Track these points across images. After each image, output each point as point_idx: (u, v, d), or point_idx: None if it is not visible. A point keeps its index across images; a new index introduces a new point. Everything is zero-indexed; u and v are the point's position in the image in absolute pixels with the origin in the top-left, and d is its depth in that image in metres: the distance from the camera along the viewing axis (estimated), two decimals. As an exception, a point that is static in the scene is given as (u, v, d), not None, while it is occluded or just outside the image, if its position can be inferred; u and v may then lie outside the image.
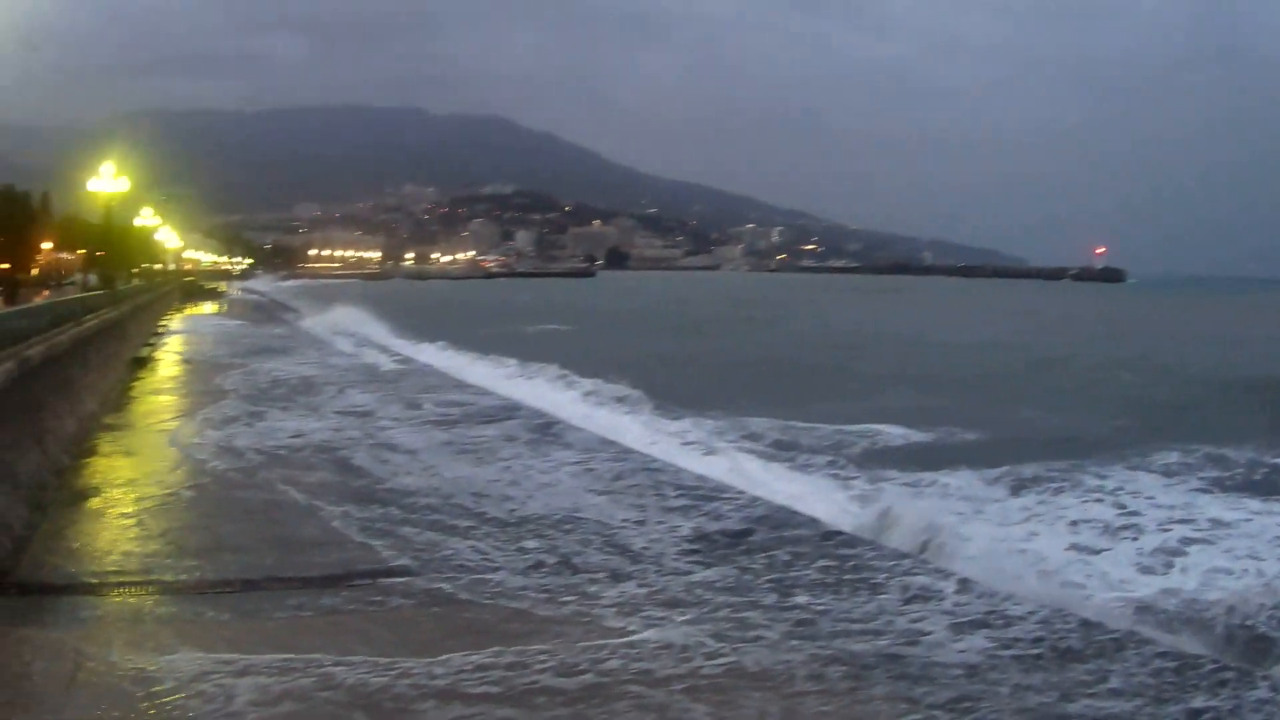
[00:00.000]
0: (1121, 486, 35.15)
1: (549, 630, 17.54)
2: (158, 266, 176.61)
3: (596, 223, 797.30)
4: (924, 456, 40.12)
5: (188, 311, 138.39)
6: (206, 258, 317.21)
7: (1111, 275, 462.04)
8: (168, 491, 28.41)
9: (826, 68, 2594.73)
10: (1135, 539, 28.53)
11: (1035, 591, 20.41)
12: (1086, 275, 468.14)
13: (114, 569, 20.97)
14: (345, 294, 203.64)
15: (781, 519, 25.14)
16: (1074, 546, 27.17)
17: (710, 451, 39.56)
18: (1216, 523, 31.00)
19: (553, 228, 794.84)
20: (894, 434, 46.19)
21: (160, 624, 17.76)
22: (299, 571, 20.93)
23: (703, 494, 27.88)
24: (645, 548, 22.47)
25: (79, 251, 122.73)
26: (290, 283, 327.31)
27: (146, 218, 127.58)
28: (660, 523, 24.83)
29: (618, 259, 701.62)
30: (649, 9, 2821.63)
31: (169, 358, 70.57)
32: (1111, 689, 15.03)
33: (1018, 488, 35.02)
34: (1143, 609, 21.42)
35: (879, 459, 40.17)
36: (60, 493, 27.44)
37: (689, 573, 20.52)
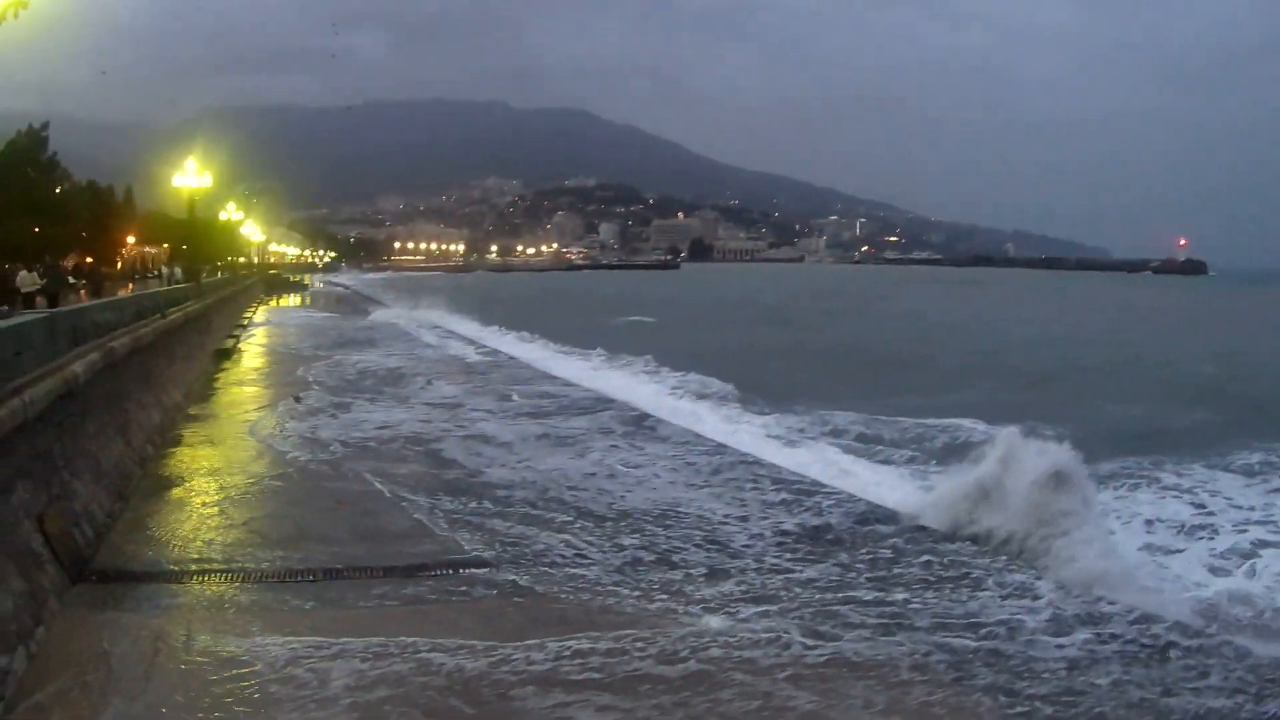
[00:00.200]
0: (1200, 485, 34.51)
1: (644, 621, 17.52)
2: (241, 260, 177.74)
3: (680, 215, 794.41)
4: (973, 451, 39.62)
5: (272, 304, 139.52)
6: (291, 251, 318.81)
7: (1193, 267, 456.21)
8: (250, 481, 28.64)
9: (906, 57, 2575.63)
10: (1210, 539, 27.98)
11: (1120, 590, 20.26)
12: (1168, 268, 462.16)
13: (195, 557, 21.18)
14: (429, 286, 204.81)
15: (874, 515, 25.10)
16: (1148, 546, 26.78)
17: (800, 445, 39.36)
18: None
19: (636, 220, 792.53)
20: (975, 429, 45.81)
21: (242, 610, 17.95)
22: (382, 561, 20.97)
23: (800, 489, 27.83)
24: (746, 545, 22.34)
25: (163, 246, 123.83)
26: (374, 275, 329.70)
27: (230, 212, 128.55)
28: (763, 518, 24.74)
29: (701, 251, 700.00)
30: (731, 2, 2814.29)
31: (253, 349, 71.18)
32: (1211, 685, 14.94)
33: (1096, 484, 34.68)
34: (1211, 609, 21.15)
35: (961, 454, 39.82)
36: (144, 482, 27.71)
37: (789, 570, 20.39)
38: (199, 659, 15.61)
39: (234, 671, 15.15)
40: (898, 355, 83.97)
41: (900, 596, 18.57)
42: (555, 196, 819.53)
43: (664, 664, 15.73)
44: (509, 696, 14.58)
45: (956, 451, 38.44)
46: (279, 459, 31.79)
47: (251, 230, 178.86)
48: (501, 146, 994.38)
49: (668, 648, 16.27)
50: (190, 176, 64.00)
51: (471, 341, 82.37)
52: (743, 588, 19.17)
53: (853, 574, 20.04)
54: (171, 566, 20.45)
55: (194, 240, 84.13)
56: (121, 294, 47.32)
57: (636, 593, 18.92)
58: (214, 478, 28.96)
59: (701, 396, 53.07)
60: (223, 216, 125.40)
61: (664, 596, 18.73)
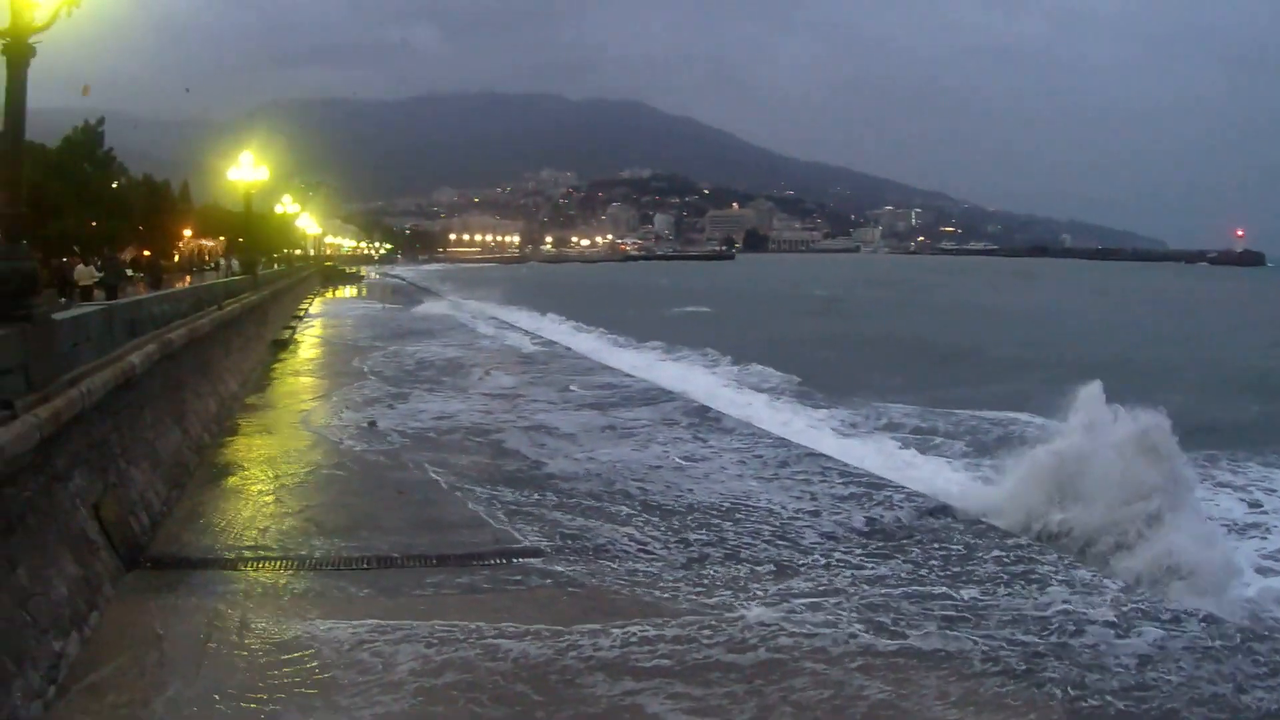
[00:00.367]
0: (1255, 483, 33.99)
1: (709, 612, 17.50)
2: (298, 252, 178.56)
3: (734, 205, 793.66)
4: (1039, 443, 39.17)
5: (328, 295, 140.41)
6: (347, 243, 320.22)
7: (1251, 258, 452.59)
8: (306, 470, 28.87)
9: (961, 46, 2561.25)
10: (1263, 538, 27.58)
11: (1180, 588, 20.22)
12: (1225, 259, 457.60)
13: (250, 544, 21.33)
14: (484, 278, 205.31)
15: (940, 510, 24.89)
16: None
17: (861, 439, 39.40)
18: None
19: (691, 211, 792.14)
20: (1030, 423, 45.59)
21: (297, 597, 18.07)
22: (438, 550, 21.02)
23: (866, 484, 27.65)
24: (815, 541, 22.10)
25: (219, 238, 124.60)
26: (429, 267, 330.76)
27: (287, 205, 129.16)
28: (831, 513, 24.52)
29: (756, 241, 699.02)
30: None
31: (309, 340, 71.74)
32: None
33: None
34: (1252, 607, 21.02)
35: (1017, 448, 39.57)
36: (200, 470, 27.96)
37: (858, 566, 20.22)
38: (254, 644, 15.73)
39: (290, 656, 15.27)
40: (951, 346, 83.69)
41: (968, 593, 18.45)
42: (610, 188, 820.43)
43: (734, 652, 15.72)
44: (576, 684, 14.60)
45: (1013, 445, 38.36)
46: (335, 449, 31.95)
47: (308, 223, 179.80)
48: (556, 138, 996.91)
49: (736, 636, 16.28)
50: (246, 170, 64.32)
51: (528, 332, 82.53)
52: (810, 583, 19.07)
53: (921, 570, 19.94)
54: (226, 554, 20.60)
55: (250, 233, 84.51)
56: (179, 286, 47.60)
57: (699, 588, 18.81)
58: (270, 466, 29.17)
59: (762, 389, 53.25)
60: (279, 209, 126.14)
61: (728, 592, 18.60)
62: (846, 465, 30.61)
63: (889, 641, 16.04)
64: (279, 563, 20.12)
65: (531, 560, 20.34)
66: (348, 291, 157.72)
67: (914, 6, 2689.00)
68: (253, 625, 16.45)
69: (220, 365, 40.24)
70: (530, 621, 16.80)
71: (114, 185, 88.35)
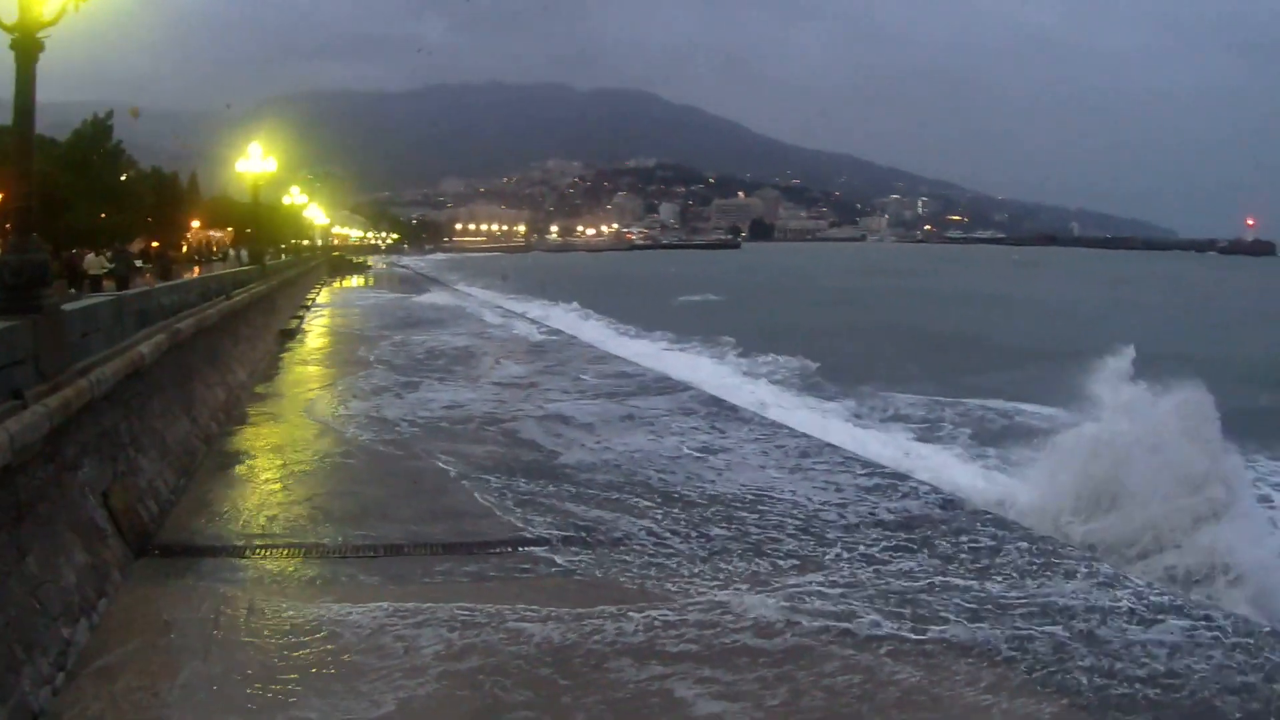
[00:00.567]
0: (1264, 477, 33.75)
1: (732, 600, 17.54)
2: (305, 243, 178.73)
3: (740, 194, 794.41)
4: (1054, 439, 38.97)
5: (336, 285, 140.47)
6: (354, 234, 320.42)
7: (1262, 248, 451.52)
8: (313, 458, 28.93)
9: (974, 34, 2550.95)
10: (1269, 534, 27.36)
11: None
12: (1236, 248, 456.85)
13: (258, 532, 21.43)
14: (490, 267, 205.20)
15: (958, 504, 24.70)
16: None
17: (875, 430, 39.52)
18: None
19: (696, 200, 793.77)
20: (1037, 413, 45.65)
21: (305, 585, 18.13)
22: (446, 539, 21.08)
23: (883, 476, 27.41)
24: (838, 535, 21.82)
25: (227, 229, 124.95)
26: (436, 256, 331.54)
27: (295, 196, 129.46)
28: (852, 506, 24.30)
29: (762, 230, 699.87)
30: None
31: (317, 329, 71.84)
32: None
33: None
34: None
35: (1024, 439, 39.55)
36: (208, 459, 28.03)
37: (881, 560, 20.01)
38: (264, 630, 15.81)
39: (302, 641, 15.38)
40: (957, 335, 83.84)
41: (992, 585, 18.40)
42: (616, 177, 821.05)
43: (761, 638, 15.82)
44: (602, 668, 14.70)
45: (1024, 436, 38.35)
46: (342, 437, 31.97)
47: (316, 213, 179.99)
48: (563, 128, 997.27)
49: (762, 623, 16.36)
50: (254, 162, 64.55)
51: (535, 321, 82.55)
52: (834, 575, 19.00)
53: (945, 563, 19.84)
54: (235, 541, 20.68)
55: (258, 224, 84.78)
56: (187, 277, 47.77)
57: (718, 579, 18.72)
58: (277, 455, 29.27)
59: (775, 379, 53.54)
60: (287, 200, 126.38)
61: (749, 583, 18.54)
62: (864, 457, 30.52)
63: (916, 631, 16.10)
64: (287, 550, 20.20)
65: (542, 549, 20.33)
66: (355, 281, 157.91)
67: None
68: (262, 612, 16.53)
69: (228, 355, 40.40)
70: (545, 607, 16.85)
71: (123, 178, 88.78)
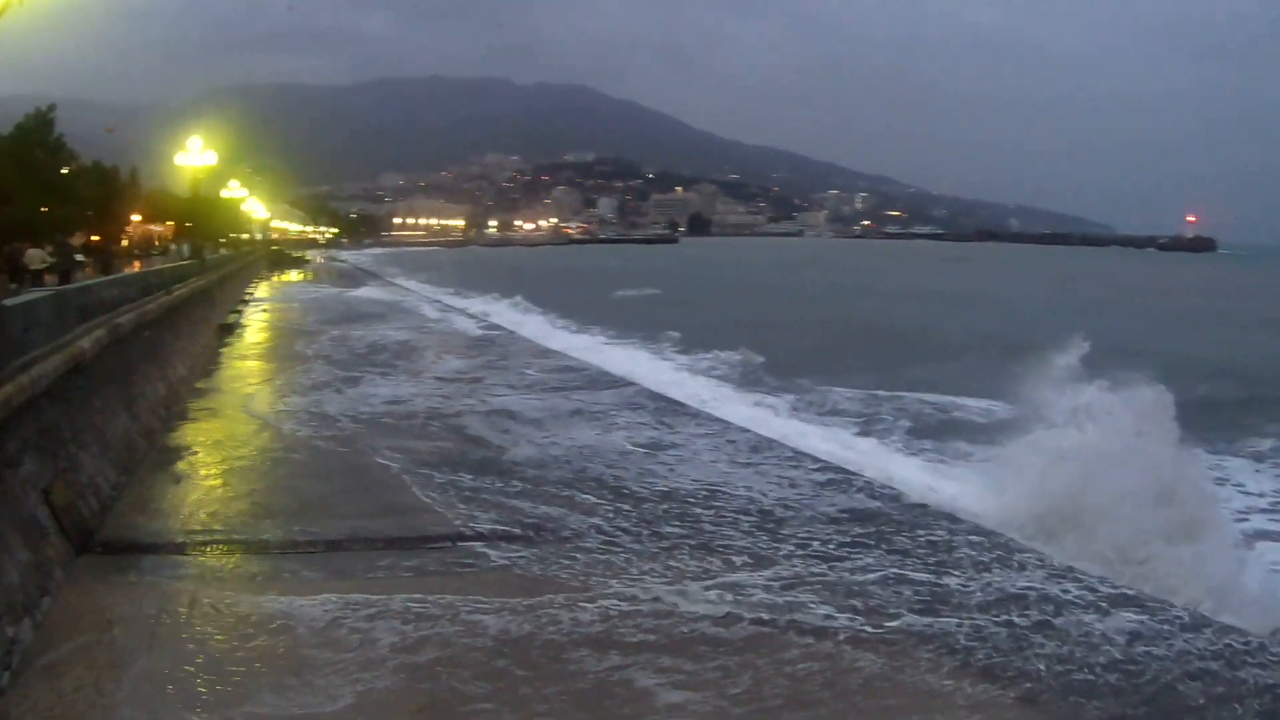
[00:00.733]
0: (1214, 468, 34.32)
1: (688, 593, 17.61)
2: (245, 236, 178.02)
3: (678, 189, 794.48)
4: (1000, 431, 39.19)
5: (275, 279, 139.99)
6: (293, 228, 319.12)
7: (1201, 244, 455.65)
8: (253, 454, 28.89)
9: (917, 32, 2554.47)
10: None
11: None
12: (1176, 245, 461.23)
13: (199, 529, 21.36)
14: (428, 261, 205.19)
15: (910, 502, 24.60)
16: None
17: (815, 425, 39.76)
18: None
19: (634, 195, 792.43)
20: (973, 406, 46.03)
21: (245, 581, 18.09)
22: (386, 534, 21.06)
23: (831, 473, 27.30)
24: (791, 531, 21.62)
25: (167, 223, 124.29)
26: (375, 251, 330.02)
27: (234, 189, 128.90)
28: (800, 502, 24.13)
29: (700, 225, 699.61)
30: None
31: (257, 324, 71.59)
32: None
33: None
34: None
35: (963, 432, 39.77)
36: (149, 455, 27.89)
37: (837, 554, 19.97)
38: (210, 626, 15.78)
39: (248, 637, 15.34)
40: (890, 329, 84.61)
41: (947, 579, 18.48)
42: (554, 172, 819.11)
43: (720, 627, 15.91)
44: (561, 659, 14.71)
45: (963, 432, 38.66)
46: (283, 433, 31.89)
47: (255, 207, 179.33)
48: (502, 123, 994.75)
49: (720, 614, 16.45)
50: (194, 155, 64.48)
51: (475, 316, 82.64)
52: (789, 570, 18.96)
53: (900, 557, 19.79)
54: (177, 538, 20.61)
55: (198, 217, 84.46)
56: (128, 271, 47.56)
57: (669, 574, 18.67)
58: (218, 450, 29.17)
59: (718, 374, 54.07)
60: (226, 194, 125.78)
61: (702, 578, 18.46)
62: (812, 453, 30.55)
63: (874, 623, 16.20)
64: (230, 546, 20.19)
65: (483, 545, 20.28)
66: (294, 275, 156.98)
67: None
68: (209, 608, 16.49)
69: (169, 350, 40.16)
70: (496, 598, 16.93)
71: (64, 171, 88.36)
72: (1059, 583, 18.27)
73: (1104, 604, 17.24)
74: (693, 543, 20.71)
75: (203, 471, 26.69)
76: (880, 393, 48.46)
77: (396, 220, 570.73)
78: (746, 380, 52.29)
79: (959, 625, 16.13)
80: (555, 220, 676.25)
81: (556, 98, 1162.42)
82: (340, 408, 36.14)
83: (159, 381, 35.40)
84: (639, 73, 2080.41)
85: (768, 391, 48.49)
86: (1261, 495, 32.66)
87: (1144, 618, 16.61)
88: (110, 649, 14.83)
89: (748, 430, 33.67)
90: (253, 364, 49.49)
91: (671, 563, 19.31)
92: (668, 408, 37.57)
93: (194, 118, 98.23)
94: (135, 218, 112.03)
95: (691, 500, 24.25)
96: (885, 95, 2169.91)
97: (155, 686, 13.70)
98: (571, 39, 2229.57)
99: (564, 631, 15.65)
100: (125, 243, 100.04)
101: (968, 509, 25.78)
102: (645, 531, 21.52)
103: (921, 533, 21.52)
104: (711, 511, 23.20)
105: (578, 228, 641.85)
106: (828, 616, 16.43)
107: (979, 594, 17.66)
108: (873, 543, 20.74)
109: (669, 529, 21.68)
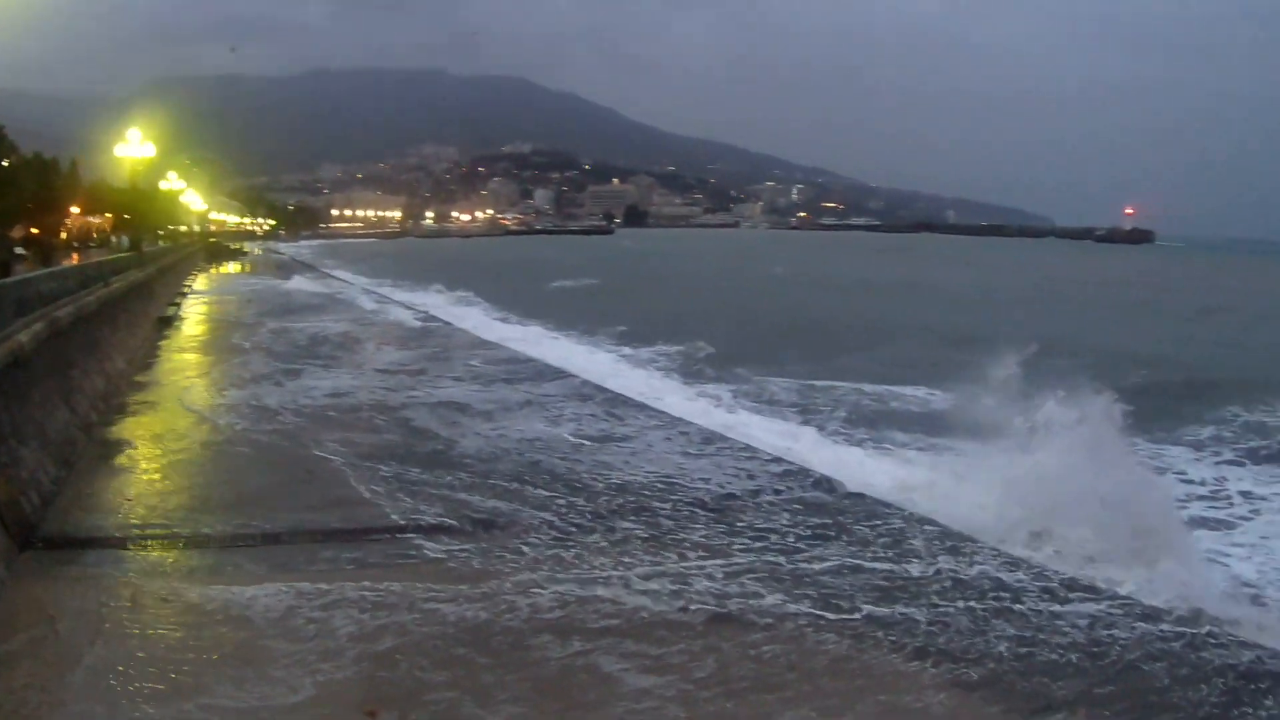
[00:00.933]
0: (1144, 460, 34.54)
1: (647, 579, 17.71)
2: (183, 228, 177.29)
3: (615, 181, 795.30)
4: (940, 423, 39.21)
5: (213, 272, 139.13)
6: (231, 219, 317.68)
7: (1139, 236, 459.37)
8: (194, 448, 28.62)
9: (856, 25, 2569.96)
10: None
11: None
12: (1113, 236, 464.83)
13: (138, 523, 21.13)
14: (364, 253, 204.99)
15: (859, 493, 24.66)
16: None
17: (760, 417, 39.84)
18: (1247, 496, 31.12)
19: (571, 186, 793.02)
20: (915, 395, 46.29)
21: (187, 574, 17.92)
22: (328, 527, 20.96)
23: (781, 465, 27.49)
24: (746, 523, 21.53)
25: (106, 215, 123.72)
26: (313, 242, 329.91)
27: (172, 181, 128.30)
28: (757, 494, 24.21)
29: (636, 217, 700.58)
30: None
31: (195, 316, 70.86)
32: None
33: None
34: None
35: (903, 422, 39.95)
36: (89, 449, 27.59)
37: (795, 545, 19.95)
38: (159, 620, 15.65)
39: (187, 631, 15.20)
40: (822, 319, 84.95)
41: (906, 567, 18.60)
42: (491, 163, 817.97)
43: (682, 612, 16.06)
44: (524, 645, 14.74)
45: (898, 419, 38.88)
46: (223, 426, 31.55)
47: (192, 199, 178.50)
48: (439, 114, 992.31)
49: (681, 600, 16.58)
50: (133, 147, 64.19)
51: (412, 307, 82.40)
52: (749, 560, 19.02)
53: (858, 547, 19.89)
54: (119, 533, 20.36)
55: (137, 210, 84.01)
56: (66, 264, 47.29)
57: (627, 562, 18.73)
58: (158, 444, 28.92)
59: (659, 366, 53.97)
60: (165, 186, 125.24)
61: (660, 566, 18.58)
62: (760, 445, 30.67)
63: (836, 610, 16.30)
64: (171, 540, 19.97)
65: (421, 537, 20.25)
66: (232, 268, 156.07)
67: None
68: (158, 601, 16.36)
69: (107, 343, 39.83)
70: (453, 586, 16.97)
71: (4, 164, 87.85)
72: (1014, 572, 18.48)
73: (1062, 590, 17.49)
74: (646, 534, 20.72)
75: (143, 465, 26.43)
76: (815, 382, 48.64)
77: (334, 212, 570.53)
78: (688, 372, 52.31)
79: (920, 611, 16.29)
80: (492, 211, 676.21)
81: (494, 89, 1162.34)
82: (281, 400, 35.85)
83: (97, 375, 35.14)
84: (578, 65, 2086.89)
85: (712, 382, 48.57)
86: (1203, 484, 32.92)
87: (1103, 604, 16.84)
88: (58, 643, 14.67)
89: (695, 424, 33.78)
90: (192, 357, 49.02)
91: (627, 552, 19.32)
92: (615, 399, 37.60)
93: (134, 109, 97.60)
94: (74, 210, 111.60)
95: (646, 492, 24.27)
96: (824, 88, 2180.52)
97: (107, 679, 13.57)
98: (509, 31, 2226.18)
99: (523, 619, 15.66)
100: (64, 235, 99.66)
101: (916, 499, 25.93)
102: (599, 524, 21.46)
103: (881, 522, 21.68)
104: (668, 505, 23.14)
105: (514, 219, 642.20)
106: (791, 602, 16.56)
107: (937, 583, 17.79)
108: (833, 534, 20.83)
109: (624, 523, 21.59)
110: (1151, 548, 22.44)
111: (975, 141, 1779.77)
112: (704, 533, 20.88)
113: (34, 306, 27.59)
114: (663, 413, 35.85)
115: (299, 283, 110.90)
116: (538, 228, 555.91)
